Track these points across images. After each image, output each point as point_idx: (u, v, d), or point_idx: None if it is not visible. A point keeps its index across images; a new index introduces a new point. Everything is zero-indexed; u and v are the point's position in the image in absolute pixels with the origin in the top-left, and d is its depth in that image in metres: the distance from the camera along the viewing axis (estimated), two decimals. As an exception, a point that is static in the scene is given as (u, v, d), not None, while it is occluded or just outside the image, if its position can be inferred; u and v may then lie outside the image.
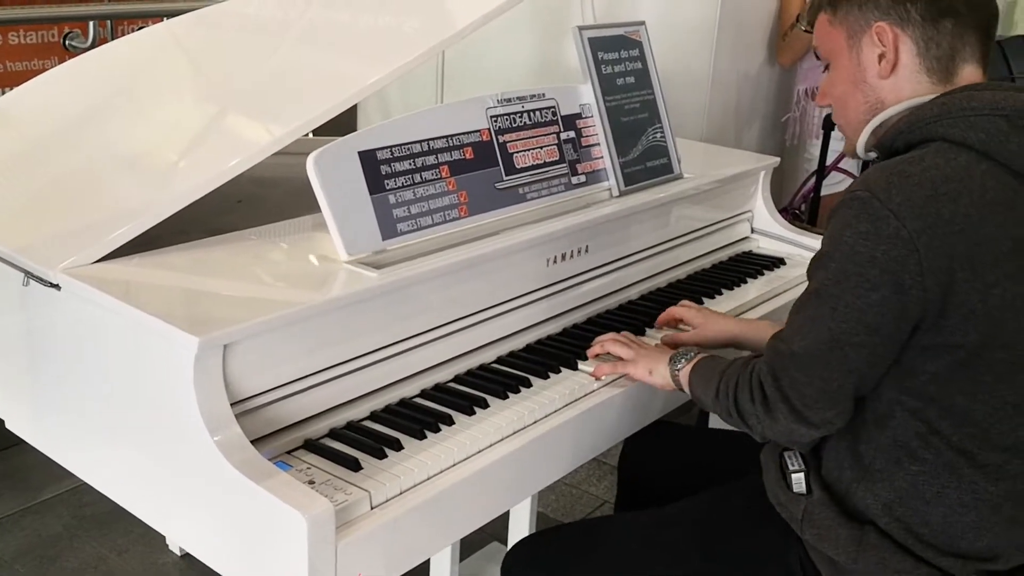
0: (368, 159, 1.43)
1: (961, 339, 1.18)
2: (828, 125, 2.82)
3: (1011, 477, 1.23)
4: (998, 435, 1.21)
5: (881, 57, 1.29)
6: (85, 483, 1.43)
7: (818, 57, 1.41)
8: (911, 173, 1.18)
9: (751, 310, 1.88)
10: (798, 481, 1.33)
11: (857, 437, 1.27)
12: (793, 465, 1.34)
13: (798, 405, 1.23)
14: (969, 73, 1.28)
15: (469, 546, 2.20)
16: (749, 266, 2.06)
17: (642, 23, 1.94)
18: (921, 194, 1.16)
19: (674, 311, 1.71)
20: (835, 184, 2.92)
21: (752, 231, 2.21)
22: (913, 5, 1.26)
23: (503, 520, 2.17)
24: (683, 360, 1.46)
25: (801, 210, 2.87)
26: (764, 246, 2.20)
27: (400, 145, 1.47)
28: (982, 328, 1.17)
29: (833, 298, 1.19)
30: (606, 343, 1.55)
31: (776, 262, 2.10)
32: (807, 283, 1.27)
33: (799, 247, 2.16)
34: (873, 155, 1.34)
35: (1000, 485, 1.22)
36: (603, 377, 1.52)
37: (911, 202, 1.15)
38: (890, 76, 1.29)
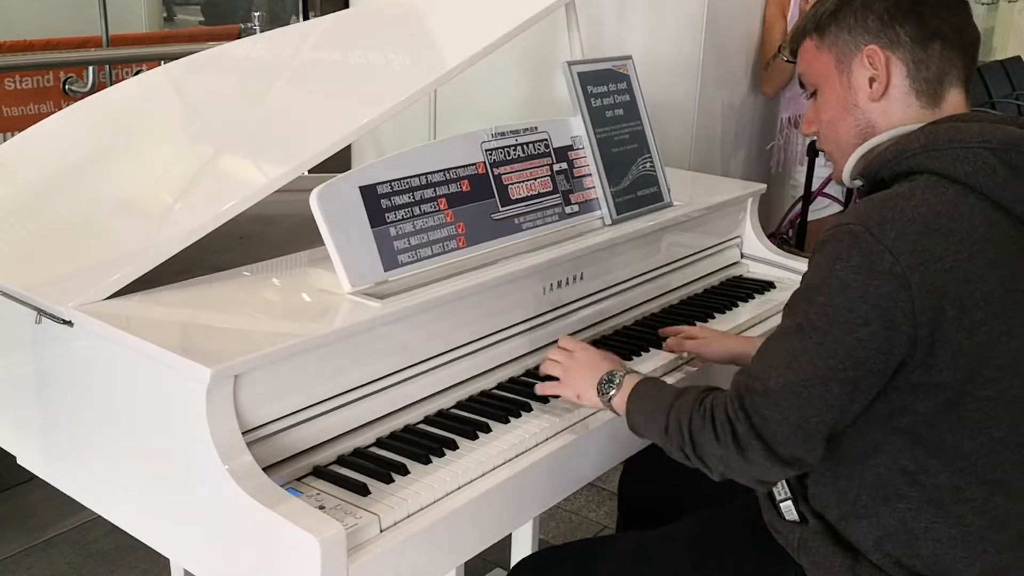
0: (369, 193, 1.47)
1: (949, 377, 1.17)
2: (813, 152, 2.89)
3: (995, 508, 1.24)
4: (985, 468, 1.22)
5: (872, 80, 1.29)
6: (90, 520, 1.45)
7: (802, 85, 1.41)
8: (903, 208, 1.17)
9: (743, 333, 1.92)
10: (788, 509, 1.34)
11: (841, 475, 1.27)
12: (780, 494, 1.35)
13: (771, 443, 1.20)
14: (955, 96, 1.29)
15: (473, 572, 2.23)
16: (740, 290, 2.11)
17: (629, 57, 2.00)
18: (914, 230, 1.15)
19: (684, 329, 1.75)
20: (821, 209, 2.99)
21: (742, 256, 2.26)
22: (903, 27, 1.27)
23: (505, 547, 2.19)
24: (612, 388, 1.42)
25: (788, 235, 2.93)
26: (754, 270, 2.24)
27: (399, 179, 1.52)
28: (968, 366, 1.17)
29: (819, 332, 1.17)
30: (546, 361, 1.53)
31: (766, 286, 2.14)
32: (787, 316, 1.24)
33: (788, 271, 2.21)
34: (859, 183, 1.34)
35: (985, 517, 1.24)
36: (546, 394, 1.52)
37: (905, 237, 1.15)
38: (881, 99, 1.29)
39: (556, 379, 1.52)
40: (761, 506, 1.40)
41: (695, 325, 1.84)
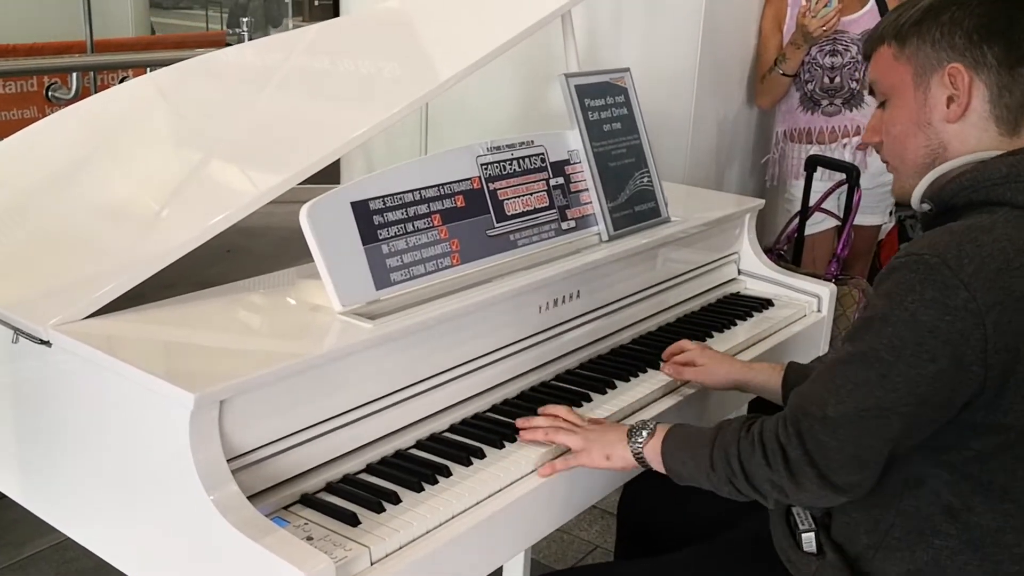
0: (361, 209, 1.43)
1: (1014, 420, 1.14)
2: (811, 166, 2.85)
3: None
4: None
5: (950, 100, 1.23)
6: (69, 538, 1.40)
7: (871, 92, 1.35)
8: (983, 242, 1.12)
9: (741, 352, 1.88)
10: (808, 540, 1.30)
11: (877, 504, 1.23)
12: (803, 524, 1.30)
13: (824, 469, 1.17)
14: None
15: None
16: (737, 308, 2.07)
17: (627, 70, 1.96)
18: (993, 266, 1.10)
19: (684, 343, 1.70)
20: (817, 224, 2.95)
21: (739, 273, 2.22)
22: (991, 49, 1.20)
23: (497, 568, 2.14)
24: (644, 433, 1.37)
25: (785, 250, 2.89)
26: (751, 287, 2.20)
27: (392, 195, 1.47)
28: None
29: (885, 364, 1.13)
30: (551, 433, 1.41)
31: (764, 303, 2.10)
32: (851, 342, 1.19)
33: (786, 288, 2.17)
34: (926, 206, 1.28)
35: (1023, 565, 1.19)
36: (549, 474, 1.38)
37: (983, 273, 1.10)
38: (957, 121, 1.23)
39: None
40: (774, 534, 1.36)
41: (694, 342, 1.79)
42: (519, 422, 1.46)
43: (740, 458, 1.24)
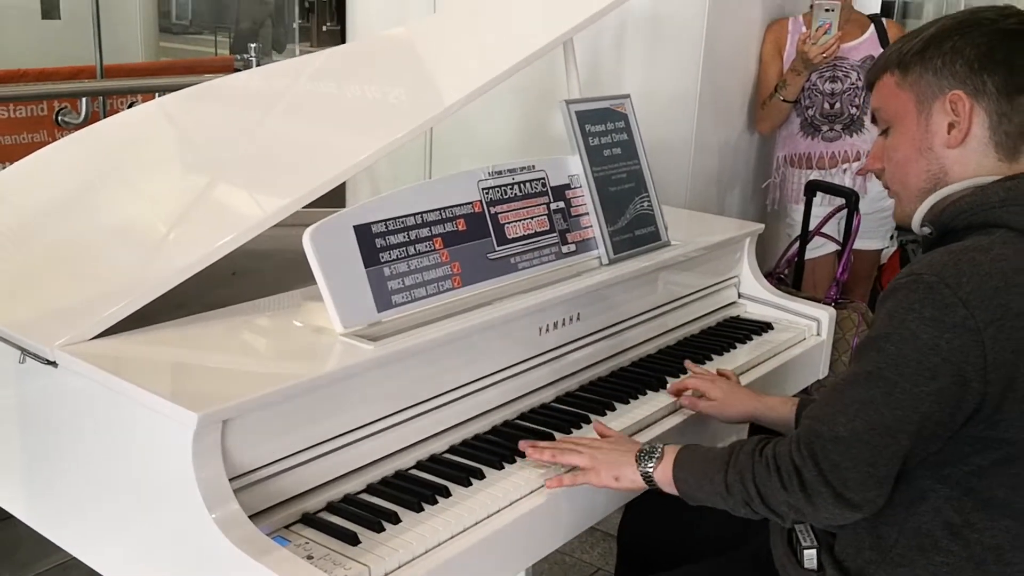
0: (363, 233, 1.45)
1: (1014, 435, 1.16)
2: (810, 191, 2.87)
3: None
4: None
5: (951, 126, 1.26)
6: (74, 559, 1.41)
7: (874, 120, 1.38)
8: (981, 261, 1.15)
9: (741, 376, 1.89)
10: (810, 558, 1.31)
11: (881, 519, 1.25)
12: (805, 541, 1.32)
13: (840, 488, 1.18)
14: None
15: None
16: (737, 331, 2.08)
17: (627, 96, 1.99)
18: (991, 285, 1.14)
19: (692, 383, 1.70)
20: (818, 248, 2.97)
21: (739, 296, 2.24)
22: (991, 77, 1.24)
23: (497, 590, 2.14)
24: (653, 458, 1.38)
25: (785, 274, 2.91)
26: (751, 311, 2.22)
27: (394, 219, 1.49)
28: None
29: (889, 383, 1.16)
30: (557, 454, 1.42)
31: (764, 327, 2.12)
32: (856, 362, 1.22)
33: (786, 311, 2.19)
34: (927, 230, 1.31)
35: None
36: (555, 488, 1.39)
37: (981, 292, 1.13)
38: (958, 147, 1.26)
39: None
40: (774, 551, 1.37)
41: (698, 372, 1.79)
42: (523, 444, 1.46)
43: (756, 482, 1.26)
